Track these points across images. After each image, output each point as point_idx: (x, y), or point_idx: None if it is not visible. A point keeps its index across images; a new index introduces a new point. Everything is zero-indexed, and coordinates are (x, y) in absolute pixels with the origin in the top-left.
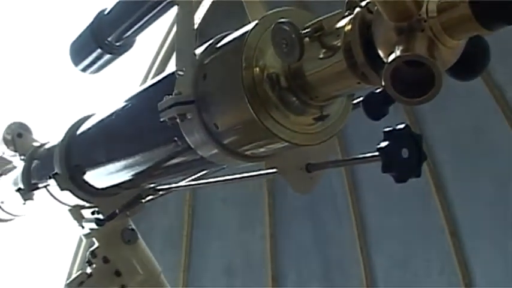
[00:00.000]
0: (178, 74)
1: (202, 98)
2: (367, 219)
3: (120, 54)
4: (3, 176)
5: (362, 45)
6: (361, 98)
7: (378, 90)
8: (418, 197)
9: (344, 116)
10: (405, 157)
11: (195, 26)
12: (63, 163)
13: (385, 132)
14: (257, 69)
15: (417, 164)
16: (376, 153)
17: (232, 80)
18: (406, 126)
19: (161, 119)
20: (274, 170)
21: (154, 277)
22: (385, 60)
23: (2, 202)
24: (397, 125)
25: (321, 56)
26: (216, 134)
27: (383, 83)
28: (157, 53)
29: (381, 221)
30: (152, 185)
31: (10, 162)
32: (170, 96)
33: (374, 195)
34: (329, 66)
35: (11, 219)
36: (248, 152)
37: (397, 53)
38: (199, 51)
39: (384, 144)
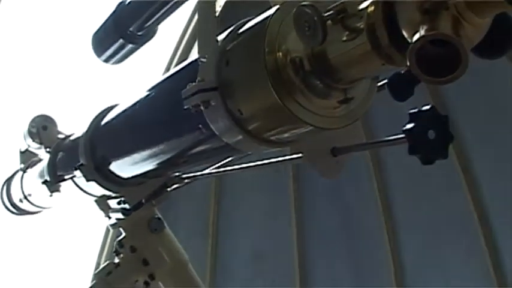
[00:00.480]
0: (201, 61)
1: (226, 84)
2: (394, 203)
3: (142, 43)
4: (30, 169)
5: (386, 26)
6: (385, 80)
7: (402, 71)
8: (444, 178)
9: (369, 98)
10: (432, 138)
11: (217, 13)
12: (89, 154)
13: (410, 113)
14: (280, 53)
15: (444, 145)
16: (402, 136)
17: (255, 65)
18: (432, 107)
19: (185, 107)
20: (299, 155)
21: (182, 265)
22: (409, 40)
23: (29, 195)
24: (423, 106)
25: (344, 38)
26: (241, 120)
27: (408, 64)
28: (179, 42)
29: (407, 204)
30: (177, 174)
31: (36, 155)
32: (193, 84)
33: (400, 177)
34: (352, 49)
35: (38, 212)
36: (273, 138)
37: (422, 32)
38: (221, 37)
39: (409, 126)
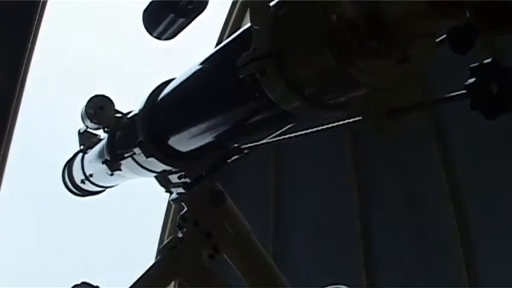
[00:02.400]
0: (254, 29)
1: (281, 50)
2: (457, 164)
3: (193, 17)
4: (89, 150)
5: None
6: (443, 36)
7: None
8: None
9: (428, 55)
10: (494, 92)
11: None
12: (147, 131)
13: (471, 68)
14: (334, 15)
15: (507, 99)
16: (464, 91)
17: (309, 30)
18: (494, 60)
19: (240, 76)
20: (357, 118)
21: (245, 236)
22: None
23: (91, 175)
24: (483, 59)
25: None
26: (297, 86)
27: (468, 15)
28: (230, 12)
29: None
30: (236, 145)
31: (95, 135)
32: (248, 52)
33: (463, 139)
34: (409, 5)
35: (101, 191)
36: (330, 102)
37: None
38: (273, 3)
39: (471, 80)
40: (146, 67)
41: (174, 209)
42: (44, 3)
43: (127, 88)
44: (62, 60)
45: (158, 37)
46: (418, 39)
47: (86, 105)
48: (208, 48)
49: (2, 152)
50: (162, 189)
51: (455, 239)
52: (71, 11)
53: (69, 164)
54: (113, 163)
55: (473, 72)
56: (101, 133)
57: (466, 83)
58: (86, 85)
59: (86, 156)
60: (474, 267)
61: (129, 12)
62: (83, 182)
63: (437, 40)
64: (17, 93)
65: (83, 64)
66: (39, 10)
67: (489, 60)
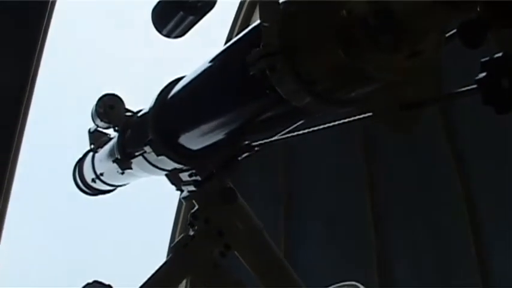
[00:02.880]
0: (264, 26)
1: (291, 46)
2: (467, 153)
3: (202, 14)
4: (100, 149)
5: None
6: (453, 31)
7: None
8: None
9: (438, 50)
10: (506, 87)
11: None
12: (157, 129)
13: (482, 62)
14: (344, 11)
15: None
16: (475, 86)
17: (320, 25)
18: (505, 54)
19: (251, 73)
20: (369, 114)
21: (257, 233)
22: None
23: (101, 174)
24: (494, 54)
25: None
26: (308, 82)
27: (479, 9)
28: (239, 10)
29: (481, 156)
30: (247, 142)
31: (105, 134)
32: (258, 49)
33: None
34: (419, 0)
35: (111, 190)
36: (341, 97)
37: None
38: (282, 0)
39: (482, 75)
40: (155, 65)
41: (185, 207)
42: (54, 3)
43: (136, 87)
44: (71, 59)
45: (167, 35)
46: (429, 34)
47: (96, 104)
48: (218, 46)
49: (12, 153)
50: (173, 187)
51: (468, 232)
52: (80, 8)
53: (79, 163)
54: (123, 162)
55: (484, 67)
56: (111, 132)
57: (477, 78)
58: (96, 84)
59: (96, 155)
60: (485, 260)
61: (138, 9)
62: (93, 181)
63: (448, 34)
64: (27, 91)
65: (93, 62)
66: (48, 9)
67: (500, 54)
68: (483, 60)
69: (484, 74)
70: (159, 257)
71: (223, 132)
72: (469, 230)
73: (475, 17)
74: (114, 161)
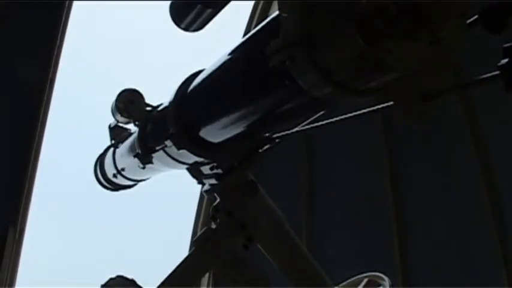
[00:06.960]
0: (283, 17)
1: (310, 36)
2: (490, 144)
3: (221, 7)
4: (121, 144)
5: None
6: (475, 17)
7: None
8: None
9: (459, 37)
10: None
11: None
12: (178, 123)
13: (504, 48)
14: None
15: None
16: (497, 72)
17: (339, 14)
18: None
19: (270, 64)
20: (389, 103)
21: (279, 226)
22: None
23: (123, 169)
24: None
25: None
26: (328, 72)
27: None
28: (257, 1)
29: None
30: (267, 134)
31: (125, 129)
32: (277, 40)
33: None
34: None
35: (133, 185)
36: (362, 87)
37: None
38: None
39: (504, 61)
40: (175, 59)
41: (207, 200)
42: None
43: (156, 81)
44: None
45: (186, 29)
46: (450, 21)
47: (116, 100)
48: (236, 38)
49: (34, 149)
50: (194, 181)
51: (491, 225)
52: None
53: (100, 158)
54: (144, 156)
55: (506, 53)
56: (131, 127)
57: (500, 64)
58: (115, 80)
59: (117, 150)
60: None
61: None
62: (115, 176)
63: (470, 21)
64: (47, 88)
65: (112, 58)
66: (66, 8)
67: None
68: (506, 45)
69: (506, 60)
70: (182, 250)
71: (244, 125)
72: (491, 221)
73: (496, 1)
74: (135, 156)
